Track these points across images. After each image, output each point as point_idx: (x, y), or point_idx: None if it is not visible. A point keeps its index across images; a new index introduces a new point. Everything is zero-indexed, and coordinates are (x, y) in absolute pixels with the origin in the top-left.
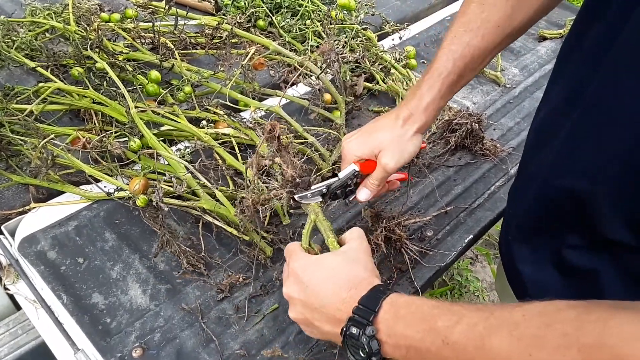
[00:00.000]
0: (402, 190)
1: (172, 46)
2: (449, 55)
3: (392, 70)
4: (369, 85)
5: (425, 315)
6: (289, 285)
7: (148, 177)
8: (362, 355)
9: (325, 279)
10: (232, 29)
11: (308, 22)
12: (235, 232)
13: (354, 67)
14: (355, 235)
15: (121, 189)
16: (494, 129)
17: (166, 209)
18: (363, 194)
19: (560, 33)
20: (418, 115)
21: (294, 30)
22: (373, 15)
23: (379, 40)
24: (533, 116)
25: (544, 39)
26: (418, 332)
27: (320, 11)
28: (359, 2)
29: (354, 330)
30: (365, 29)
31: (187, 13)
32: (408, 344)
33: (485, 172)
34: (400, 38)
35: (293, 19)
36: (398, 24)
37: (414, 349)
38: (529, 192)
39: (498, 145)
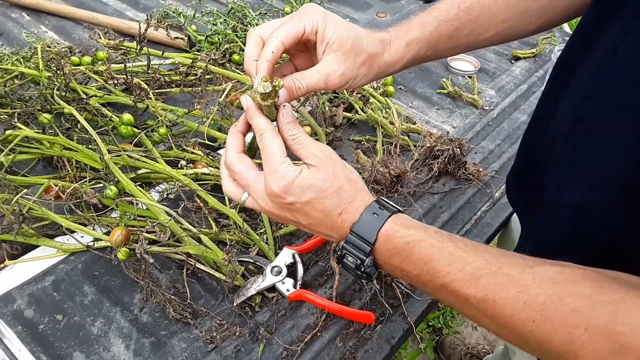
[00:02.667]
0: None
1: (146, 86)
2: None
3: (371, 99)
4: (348, 114)
5: (423, 257)
6: (269, 204)
7: (128, 224)
8: (358, 274)
9: (314, 200)
10: (206, 65)
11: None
12: (223, 277)
13: (332, 97)
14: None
15: (100, 239)
16: (476, 153)
17: (151, 260)
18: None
19: (533, 52)
20: (398, 39)
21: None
22: None
23: None
24: (514, 137)
25: (517, 59)
26: (415, 269)
27: None
28: None
29: (350, 259)
30: None
31: (162, 53)
32: (404, 275)
33: (470, 198)
34: None
35: None
36: None
37: (410, 279)
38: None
39: (481, 169)
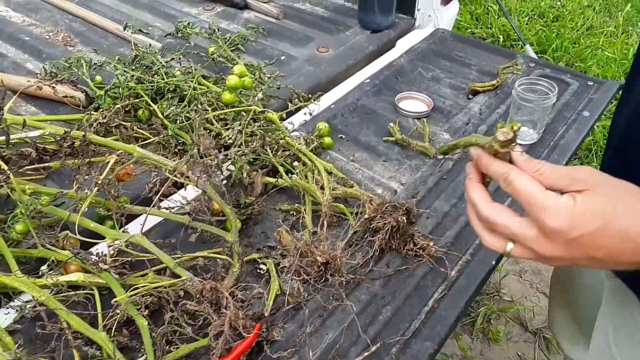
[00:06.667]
0: (315, 325)
1: (5, 166)
2: None
3: (303, 158)
4: (271, 180)
5: None
6: (552, 246)
7: None
8: None
9: (605, 227)
10: (84, 135)
11: (198, 108)
12: None
13: (252, 159)
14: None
15: None
16: (427, 218)
17: None
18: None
19: (494, 84)
20: None
21: (181, 120)
22: (279, 88)
23: (289, 117)
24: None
25: (476, 93)
26: None
27: (211, 93)
28: (267, 75)
29: None
30: (262, 112)
31: (24, 123)
32: None
33: (420, 280)
34: (310, 114)
35: (180, 105)
36: (310, 94)
37: None
38: None
39: (432, 243)
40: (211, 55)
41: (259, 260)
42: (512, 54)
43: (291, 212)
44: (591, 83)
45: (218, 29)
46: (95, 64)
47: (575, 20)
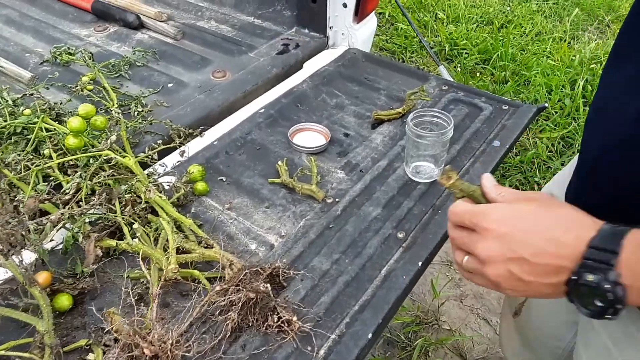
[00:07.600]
0: None
1: None
2: None
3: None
4: (112, 243)
5: None
6: (486, 244)
7: None
8: (600, 304)
9: (533, 225)
10: None
11: (46, 152)
12: None
13: (98, 218)
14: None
15: None
16: (302, 280)
17: None
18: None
19: (399, 112)
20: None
21: (20, 168)
22: (151, 124)
23: (163, 158)
24: (360, 244)
25: (381, 122)
26: None
27: (59, 135)
28: (143, 108)
29: (590, 277)
30: (107, 160)
31: None
32: None
33: None
34: (182, 155)
35: (24, 151)
36: (194, 128)
37: None
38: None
39: (295, 318)
40: (77, 86)
41: (87, 348)
42: (425, 76)
43: (142, 281)
44: (506, 107)
45: (91, 57)
46: None
47: (525, 26)
